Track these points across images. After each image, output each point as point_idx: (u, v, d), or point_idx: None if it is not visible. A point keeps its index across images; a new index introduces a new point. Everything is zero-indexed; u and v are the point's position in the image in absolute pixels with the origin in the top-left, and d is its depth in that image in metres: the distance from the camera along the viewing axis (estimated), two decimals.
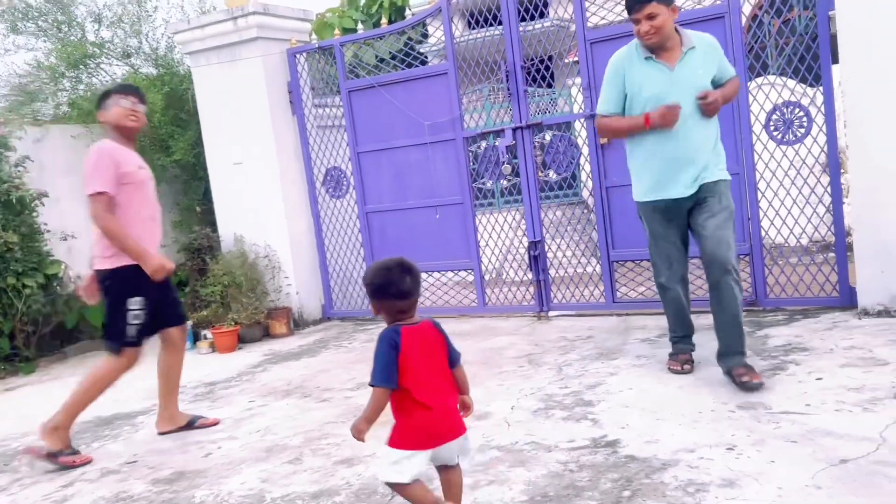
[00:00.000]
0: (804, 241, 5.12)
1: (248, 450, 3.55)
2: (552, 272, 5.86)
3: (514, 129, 5.66)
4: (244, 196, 6.61)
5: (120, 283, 3.65)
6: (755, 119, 4.90)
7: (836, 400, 3.19)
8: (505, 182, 6.06)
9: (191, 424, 3.98)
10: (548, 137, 5.79)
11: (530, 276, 5.87)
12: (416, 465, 2.29)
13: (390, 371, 2.27)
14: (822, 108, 4.70)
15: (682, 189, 3.59)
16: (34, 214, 6.35)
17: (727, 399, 3.37)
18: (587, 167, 5.61)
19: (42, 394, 5.37)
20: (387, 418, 2.35)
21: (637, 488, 2.59)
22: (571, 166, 5.69)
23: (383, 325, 2.42)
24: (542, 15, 5.81)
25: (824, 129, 4.69)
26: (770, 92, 5.02)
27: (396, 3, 12.15)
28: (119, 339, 3.67)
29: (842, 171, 4.79)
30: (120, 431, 4.14)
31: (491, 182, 6.16)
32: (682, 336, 3.94)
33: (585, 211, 7.12)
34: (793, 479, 2.50)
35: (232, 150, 6.62)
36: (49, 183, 6.74)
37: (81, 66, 7.91)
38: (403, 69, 6.28)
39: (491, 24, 5.83)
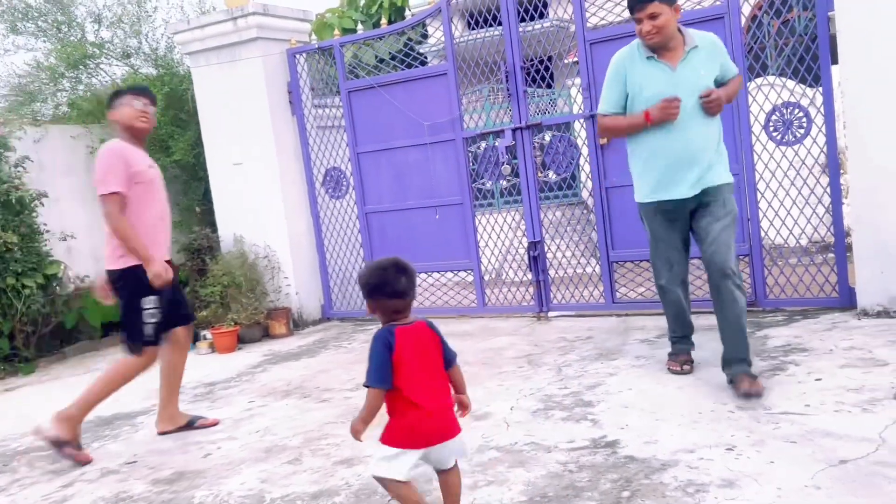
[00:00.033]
0: (804, 242, 5.13)
1: (247, 450, 3.55)
2: (552, 273, 5.86)
3: (514, 130, 5.67)
4: (244, 196, 6.61)
5: (133, 283, 3.66)
6: (755, 120, 4.90)
7: (835, 400, 3.19)
8: (504, 182, 6.06)
9: (190, 425, 3.98)
10: (547, 138, 5.79)
11: (530, 276, 5.88)
12: (406, 463, 2.31)
13: (384, 371, 2.29)
14: (822, 109, 4.70)
15: (685, 189, 3.56)
16: (34, 215, 6.35)
17: (727, 399, 3.37)
18: (587, 168, 5.62)
19: (41, 394, 5.37)
20: (386, 418, 2.36)
21: (636, 489, 2.59)
22: (571, 167, 5.70)
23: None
24: (541, 15, 5.81)
25: (824, 129, 4.69)
26: (769, 92, 5.02)
27: (396, 3, 12.15)
28: (138, 338, 3.69)
29: (841, 171, 4.80)
30: (120, 431, 4.14)
31: (490, 182, 6.16)
32: (681, 336, 3.93)
33: (585, 211, 7.12)
34: (792, 480, 2.51)
35: (232, 150, 6.62)
36: (48, 183, 6.74)
37: (81, 67, 7.91)
38: (403, 70, 6.28)
39: (490, 25, 5.83)
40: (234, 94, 6.50)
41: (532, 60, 5.73)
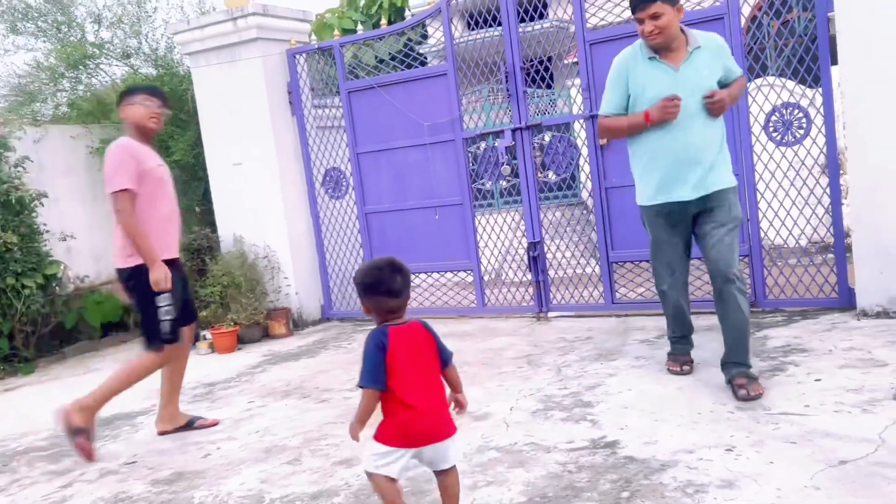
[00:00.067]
0: (803, 243, 5.13)
1: (247, 450, 3.56)
2: (551, 273, 5.86)
3: (514, 130, 5.67)
4: (244, 197, 6.61)
5: (145, 281, 3.66)
6: (754, 120, 4.90)
7: (834, 401, 3.19)
8: (504, 183, 6.07)
9: (190, 425, 3.99)
10: (547, 138, 5.79)
11: (529, 276, 5.88)
12: (397, 461, 2.33)
13: (378, 372, 2.30)
14: (822, 110, 4.70)
15: (688, 191, 3.52)
16: (33, 215, 6.35)
17: (726, 400, 3.37)
18: (586, 168, 5.62)
19: (41, 394, 5.37)
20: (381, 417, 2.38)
21: (636, 489, 2.59)
22: (571, 167, 5.70)
23: None
24: (541, 16, 5.81)
25: (823, 130, 4.69)
26: (769, 93, 5.02)
27: (396, 3, 12.15)
28: (155, 337, 3.72)
29: (841, 172, 4.80)
30: (119, 432, 4.14)
31: (490, 183, 6.16)
32: (680, 336, 3.93)
33: (585, 212, 7.13)
34: (792, 480, 2.51)
35: (231, 150, 6.62)
36: (48, 183, 6.74)
37: (81, 67, 7.91)
38: (403, 70, 6.28)
39: (490, 25, 5.84)
40: (234, 94, 6.50)
41: (532, 61, 5.73)
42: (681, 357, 3.90)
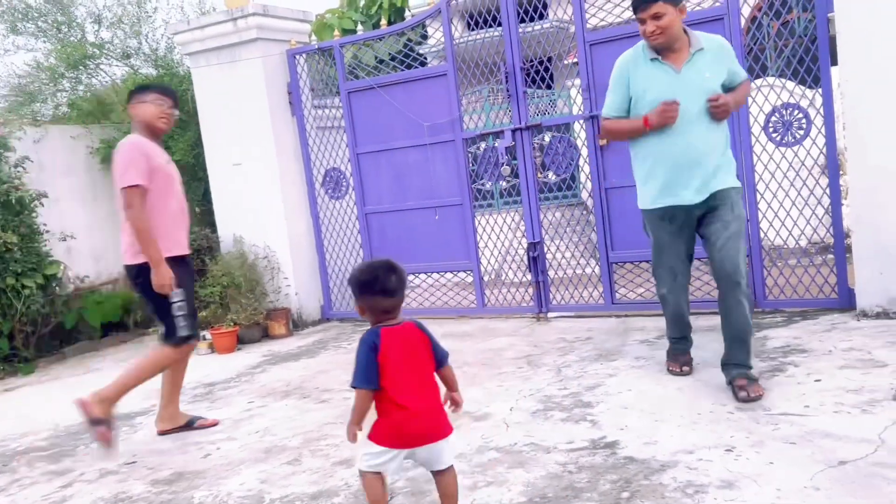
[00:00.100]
0: (803, 243, 5.13)
1: (247, 451, 3.56)
2: (551, 273, 5.86)
3: (514, 131, 5.67)
4: (243, 197, 6.61)
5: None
6: (754, 121, 4.91)
7: (834, 401, 3.19)
8: (504, 183, 6.07)
9: (190, 425, 3.99)
10: (547, 139, 5.80)
11: (529, 277, 5.88)
12: (389, 461, 2.36)
13: (370, 372, 2.32)
14: (821, 110, 4.70)
15: (691, 195, 3.48)
16: (33, 215, 6.35)
17: (726, 400, 3.37)
18: (586, 169, 5.62)
19: (41, 394, 5.37)
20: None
21: (636, 490, 2.59)
22: (570, 168, 5.70)
23: None
24: (541, 16, 5.80)
25: (823, 130, 4.69)
26: (769, 94, 5.03)
27: (396, 4, 12.16)
28: (173, 334, 3.76)
29: (840, 172, 4.80)
30: (119, 432, 4.13)
31: (490, 183, 6.16)
32: (680, 337, 3.93)
33: (584, 212, 7.13)
34: (791, 481, 2.51)
35: (231, 150, 6.62)
36: (48, 183, 6.75)
37: (81, 67, 7.92)
38: (403, 70, 6.28)
39: (490, 26, 5.84)
40: (234, 94, 6.50)
41: (532, 61, 5.73)
42: (681, 357, 3.90)
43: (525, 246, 5.87)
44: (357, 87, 6.33)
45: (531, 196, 5.69)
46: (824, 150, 4.74)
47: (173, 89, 4.18)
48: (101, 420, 3.61)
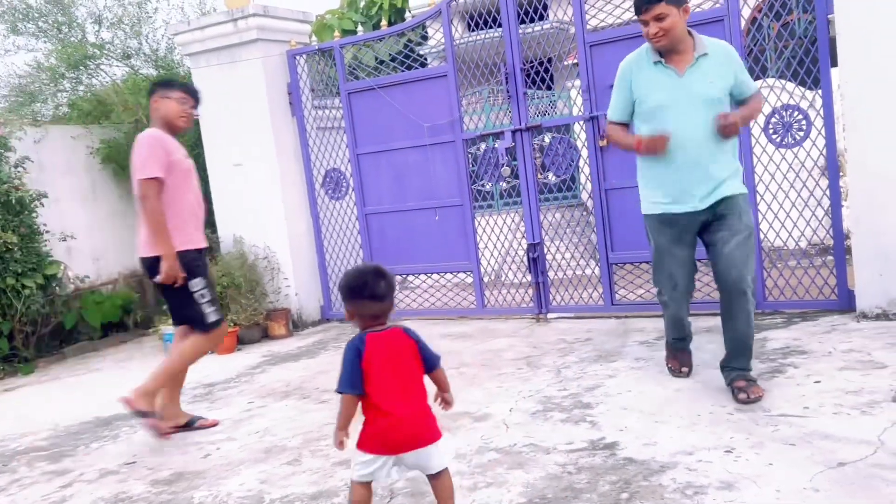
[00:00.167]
0: (803, 245, 5.13)
1: (246, 451, 3.56)
2: (551, 274, 5.86)
3: (514, 132, 5.67)
4: (243, 197, 6.62)
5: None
6: (754, 122, 4.90)
7: (834, 403, 3.19)
8: (504, 184, 6.07)
9: (190, 425, 3.99)
10: (547, 140, 5.80)
11: (529, 278, 5.88)
12: (378, 469, 2.37)
13: (354, 377, 2.34)
14: (821, 112, 4.71)
15: (696, 202, 3.41)
16: (34, 215, 6.36)
17: (725, 402, 3.37)
18: (586, 169, 5.62)
19: (41, 394, 5.36)
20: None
21: (635, 490, 2.59)
22: (570, 168, 5.70)
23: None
24: (541, 17, 5.81)
25: (823, 132, 4.69)
26: (769, 95, 5.03)
27: (396, 5, 12.17)
28: (203, 321, 3.82)
29: (840, 174, 4.80)
30: (119, 432, 4.14)
31: (490, 184, 6.17)
32: (679, 338, 3.92)
33: (584, 213, 7.13)
34: (791, 482, 2.51)
35: (231, 151, 6.62)
36: (48, 183, 6.75)
37: (81, 67, 7.93)
38: (403, 71, 6.29)
39: (490, 27, 5.84)
40: (234, 95, 6.51)
41: (532, 62, 5.73)
42: (680, 354, 3.88)
43: (525, 247, 5.87)
44: (357, 87, 6.33)
45: (531, 197, 5.70)
46: (824, 152, 4.75)
47: (197, 90, 4.21)
48: (147, 413, 3.68)
